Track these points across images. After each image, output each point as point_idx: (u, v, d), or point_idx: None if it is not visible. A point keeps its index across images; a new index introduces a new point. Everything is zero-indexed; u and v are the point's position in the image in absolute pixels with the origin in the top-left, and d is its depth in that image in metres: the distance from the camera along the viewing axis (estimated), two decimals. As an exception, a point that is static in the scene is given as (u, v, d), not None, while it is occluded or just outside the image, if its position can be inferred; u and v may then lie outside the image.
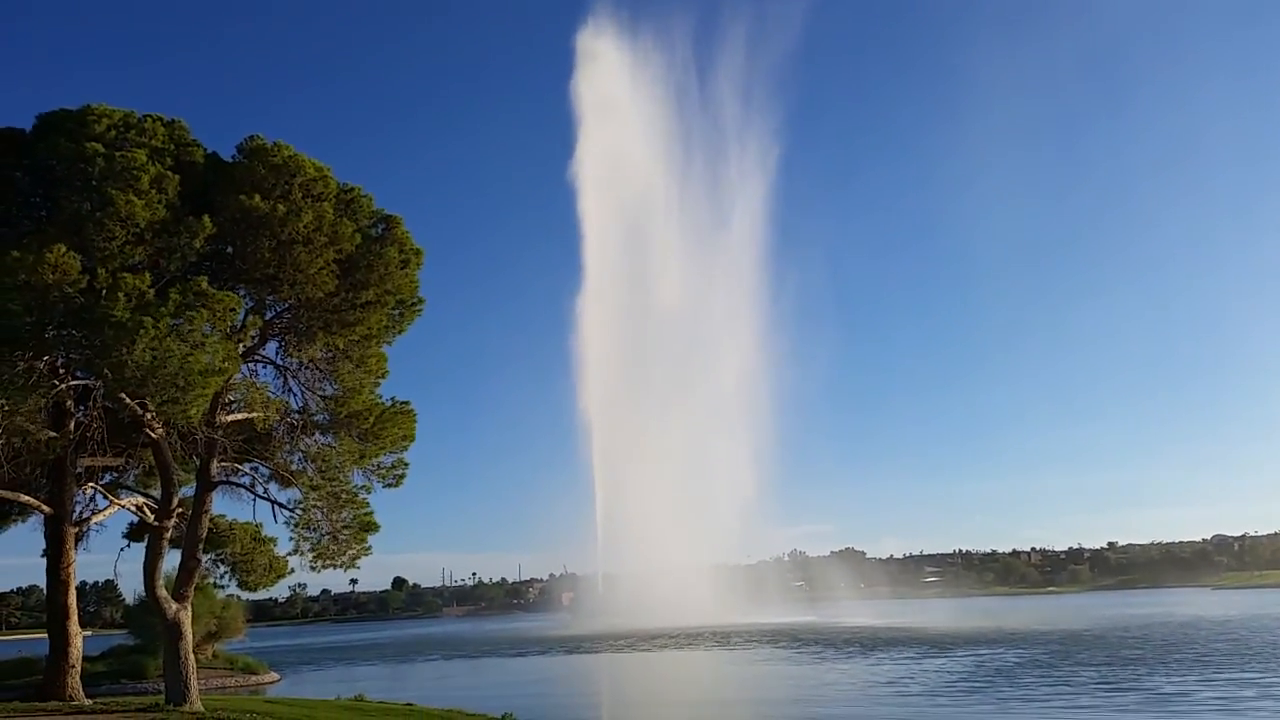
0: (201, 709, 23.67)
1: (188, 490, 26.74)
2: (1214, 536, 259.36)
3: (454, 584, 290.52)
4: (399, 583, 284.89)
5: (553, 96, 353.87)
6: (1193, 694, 38.07)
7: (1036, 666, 50.89)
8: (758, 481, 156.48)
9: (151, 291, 20.37)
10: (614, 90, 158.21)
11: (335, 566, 27.12)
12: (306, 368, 25.95)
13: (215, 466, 24.99)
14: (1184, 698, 37.17)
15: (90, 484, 28.31)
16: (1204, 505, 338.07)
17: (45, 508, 26.76)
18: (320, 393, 26.11)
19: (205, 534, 25.54)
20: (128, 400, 22.38)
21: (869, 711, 37.74)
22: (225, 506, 28.18)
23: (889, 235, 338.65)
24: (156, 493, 27.18)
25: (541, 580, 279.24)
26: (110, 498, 28.22)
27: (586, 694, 53.81)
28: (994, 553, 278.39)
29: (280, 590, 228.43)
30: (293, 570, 29.93)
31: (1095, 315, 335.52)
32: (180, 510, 25.37)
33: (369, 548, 27.39)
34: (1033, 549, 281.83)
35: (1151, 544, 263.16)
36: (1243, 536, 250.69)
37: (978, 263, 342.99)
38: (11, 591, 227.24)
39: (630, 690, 55.22)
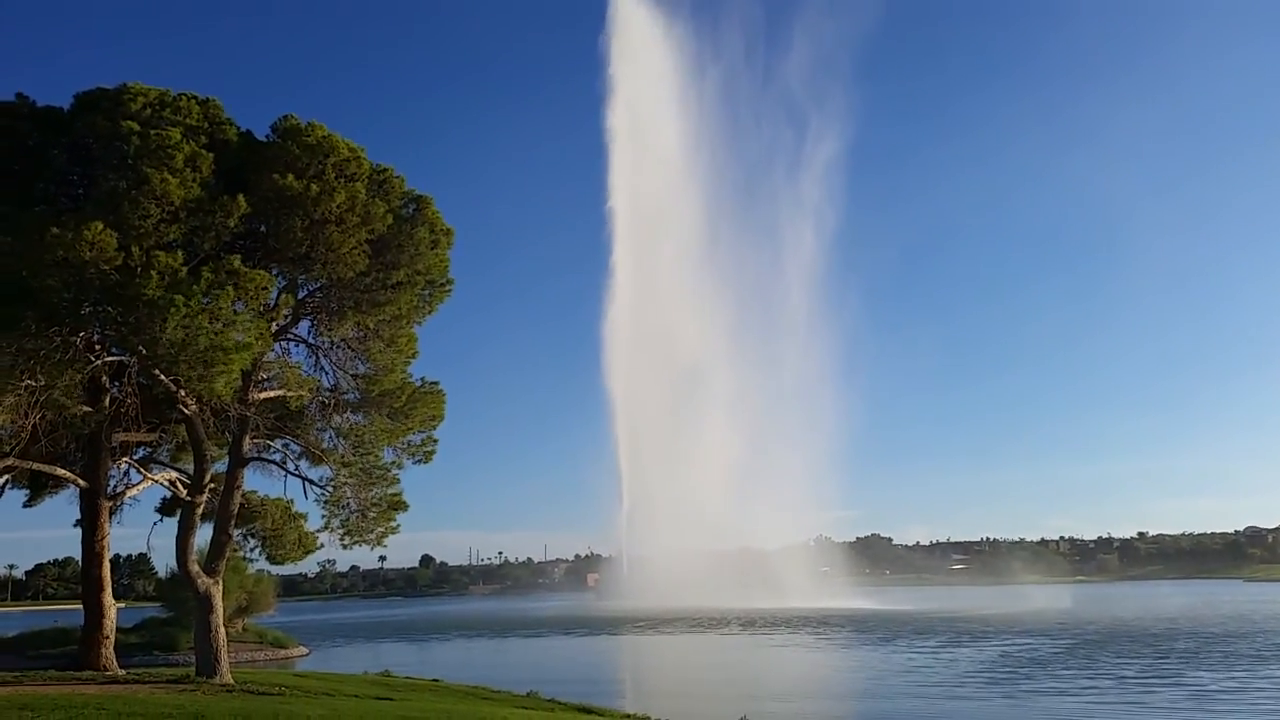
0: (231, 681, 23.97)
1: (220, 466, 27.02)
2: (1246, 528, 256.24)
3: (480, 563, 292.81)
4: (427, 560, 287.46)
5: (587, 68, 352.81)
6: (1239, 691, 36.81)
7: (1071, 657, 50.26)
8: (784, 467, 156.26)
9: (184, 269, 20.55)
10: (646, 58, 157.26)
11: (364, 543, 27.37)
12: (338, 347, 26.12)
13: (247, 443, 25.23)
14: (1230, 695, 35.89)
15: (124, 459, 28.64)
16: (1237, 497, 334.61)
17: (80, 481, 27.10)
18: (351, 371, 26.28)
19: (237, 509, 25.80)
20: (161, 376, 22.62)
21: (887, 701, 37.62)
22: (257, 482, 28.52)
23: (921, 226, 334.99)
24: (189, 468, 27.51)
25: (567, 560, 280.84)
26: (144, 472, 28.56)
27: (610, 674, 54.04)
28: (1022, 540, 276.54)
29: (310, 566, 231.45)
30: (322, 545, 30.21)
31: (1132, 306, 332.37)
32: (212, 486, 25.65)
33: (397, 525, 27.62)
34: (1061, 537, 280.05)
35: (1182, 534, 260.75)
36: (1276, 528, 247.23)
37: (1011, 251, 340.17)
38: (48, 563, 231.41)
39: (652, 672, 55.41)
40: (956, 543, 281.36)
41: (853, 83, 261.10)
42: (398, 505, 27.36)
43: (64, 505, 30.93)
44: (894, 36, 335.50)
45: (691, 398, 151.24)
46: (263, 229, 23.25)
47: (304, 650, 66.15)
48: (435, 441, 27.75)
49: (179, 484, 27.19)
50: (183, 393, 23.00)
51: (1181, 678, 41.03)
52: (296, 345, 26.37)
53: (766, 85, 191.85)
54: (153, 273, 20.03)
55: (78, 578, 35.52)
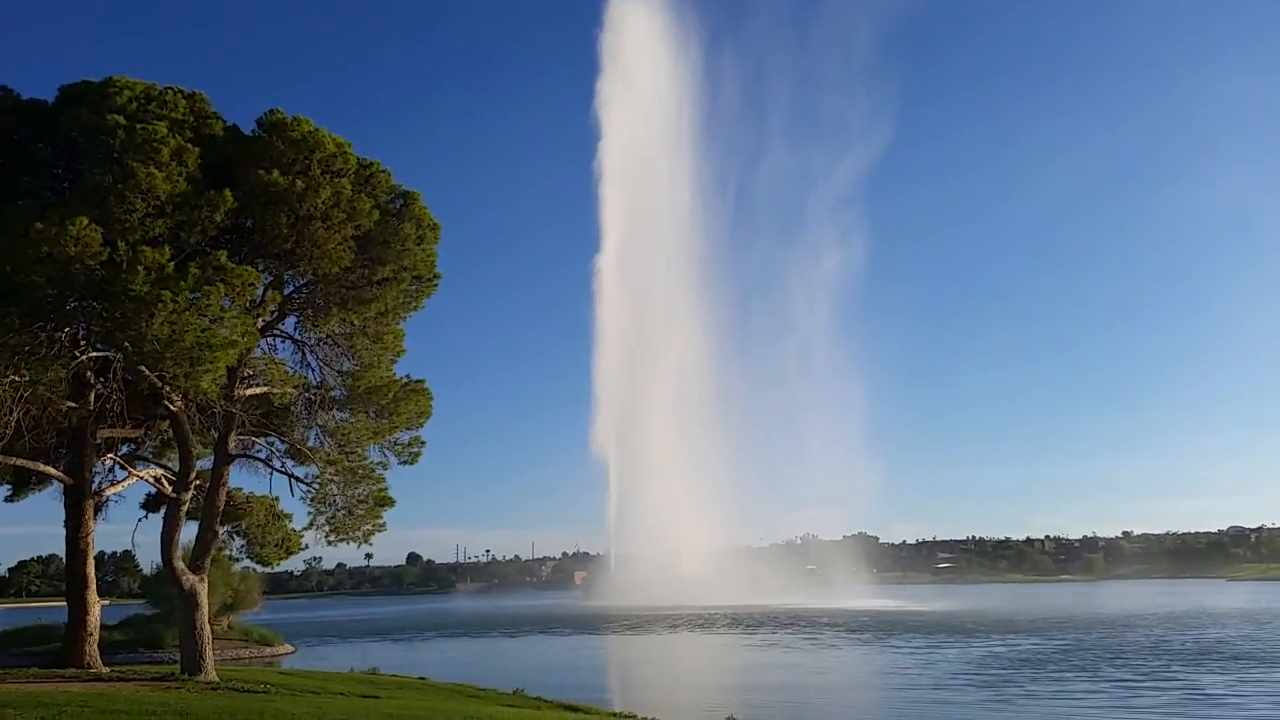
0: (216, 679, 23.87)
1: (205, 463, 26.89)
2: (1230, 528, 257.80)
3: (468, 560, 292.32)
4: (413, 558, 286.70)
5: (583, 61, 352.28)
6: (1240, 694, 36.25)
7: (1065, 658, 49.91)
8: (771, 465, 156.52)
9: (171, 265, 20.44)
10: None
11: (350, 541, 27.26)
12: (324, 343, 26.03)
13: (233, 440, 25.11)
14: (1234, 698, 35.36)
15: (109, 455, 28.48)
16: (1221, 496, 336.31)
17: (65, 478, 26.94)
18: (338, 368, 26.21)
19: (222, 506, 25.68)
20: (147, 372, 22.50)
21: (874, 700, 37.61)
22: (242, 479, 28.39)
23: (920, 219, 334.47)
24: (174, 465, 27.37)
25: (554, 558, 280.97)
26: (129, 469, 28.42)
27: (596, 672, 54.06)
28: (1007, 540, 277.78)
29: (296, 563, 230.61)
30: (306, 546, 30.12)
31: (1116, 306, 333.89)
32: (198, 482, 25.52)
33: (384, 523, 27.51)
34: (1046, 537, 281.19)
35: (1167, 534, 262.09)
36: (1259, 528, 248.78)
37: (998, 250, 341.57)
38: (31, 560, 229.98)
39: (638, 670, 55.43)
40: (942, 541, 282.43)
41: (872, 83, 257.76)
42: (384, 502, 27.26)
43: (48, 502, 30.74)
44: (909, 30, 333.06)
45: (680, 398, 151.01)
46: (249, 224, 23.14)
47: (290, 648, 65.96)
48: (422, 443, 27.66)
49: (164, 481, 27.04)
50: (168, 389, 22.87)
51: (1180, 679, 40.66)
52: (283, 341, 26.30)
53: (781, 99, 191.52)
54: (139, 268, 19.91)
55: (61, 575, 35.35)
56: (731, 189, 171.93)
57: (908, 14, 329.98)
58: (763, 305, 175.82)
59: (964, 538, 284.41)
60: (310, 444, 26.53)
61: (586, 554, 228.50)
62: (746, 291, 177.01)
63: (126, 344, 21.06)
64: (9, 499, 31.34)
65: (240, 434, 25.40)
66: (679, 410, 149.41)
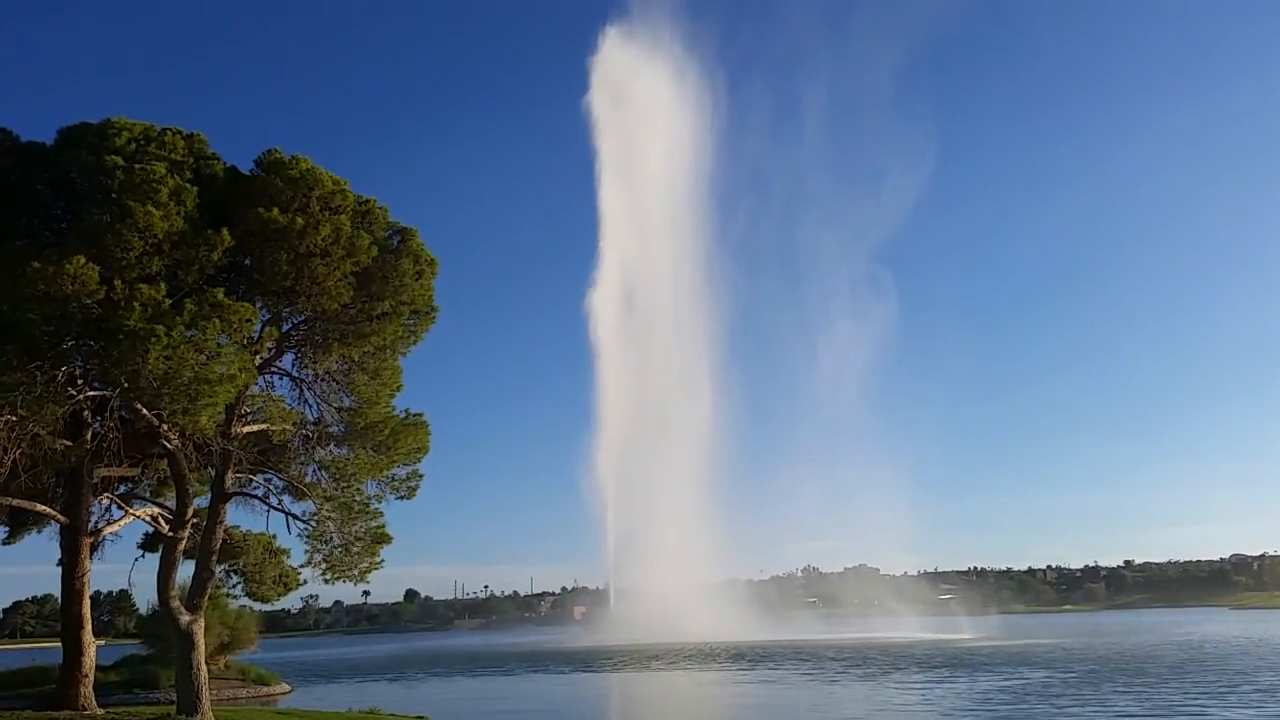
0: (213, 719, 23.67)
1: (202, 501, 26.81)
2: (1232, 556, 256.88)
3: (466, 597, 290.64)
4: (411, 595, 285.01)
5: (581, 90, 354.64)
6: None
7: (1076, 691, 48.88)
8: (771, 497, 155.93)
9: (167, 302, 20.50)
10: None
11: (348, 578, 27.16)
12: (322, 379, 26.06)
13: (230, 477, 25.06)
14: None
15: (106, 494, 28.42)
16: (1222, 524, 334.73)
17: (61, 517, 26.85)
18: (335, 404, 26.21)
19: (219, 545, 25.59)
20: (144, 410, 22.49)
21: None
22: (239, 517, 28.31)
23: (927, 245, 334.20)
24: (171, 503, 27.31)
25: (554, 593, 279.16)
26: (125, 508, 28.32)
27: (596, 710, 53.55)
28: (1010, 570, 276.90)
29: (293, 601, 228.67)
30: (304, 582, 30.03)
31: (1116, 334, 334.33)
32: (194, 521, 25.45)
33: (381, 560, 27.43)
34: (1049, 567, 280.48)
35: (1169, 563, 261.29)
36: (1261, 556, 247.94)
37: (998, 279, 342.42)
38: (26, 600, 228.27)
39: (637, 708, 54.89)
40: (944, 572, 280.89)
41: (907, 122, 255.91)
42: (381, 539, 27.18)
43: (43, 541, 30.67)
44: (939, 52, 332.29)
45: (680, 431, 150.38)
46: (247, 262, 23.26)
47: (287, 688, 65.17)
48: (420, 476, 27.64)
49: (160, 519, 26.95)
50: (165, 427, 22.87)
51: (1203, 713, 39.74)
52: (280, 379, 26.35)
53: (807, 147, 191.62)
54: (135, 305, 19.99)
55: (57, 615, 35.06)
56: (753, 245, 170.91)
57: (939, 34, 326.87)
58: (783, 365, 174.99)
59: (966, 568, 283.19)
60: (307, 479, 26.48)
61: (586, 588, 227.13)
62: (765, 345, 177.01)
63: (123, 381, 21.09)
64: (6, 541, 31.19)
65: (237, 472, 25.36)
66: (680, 447, 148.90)
